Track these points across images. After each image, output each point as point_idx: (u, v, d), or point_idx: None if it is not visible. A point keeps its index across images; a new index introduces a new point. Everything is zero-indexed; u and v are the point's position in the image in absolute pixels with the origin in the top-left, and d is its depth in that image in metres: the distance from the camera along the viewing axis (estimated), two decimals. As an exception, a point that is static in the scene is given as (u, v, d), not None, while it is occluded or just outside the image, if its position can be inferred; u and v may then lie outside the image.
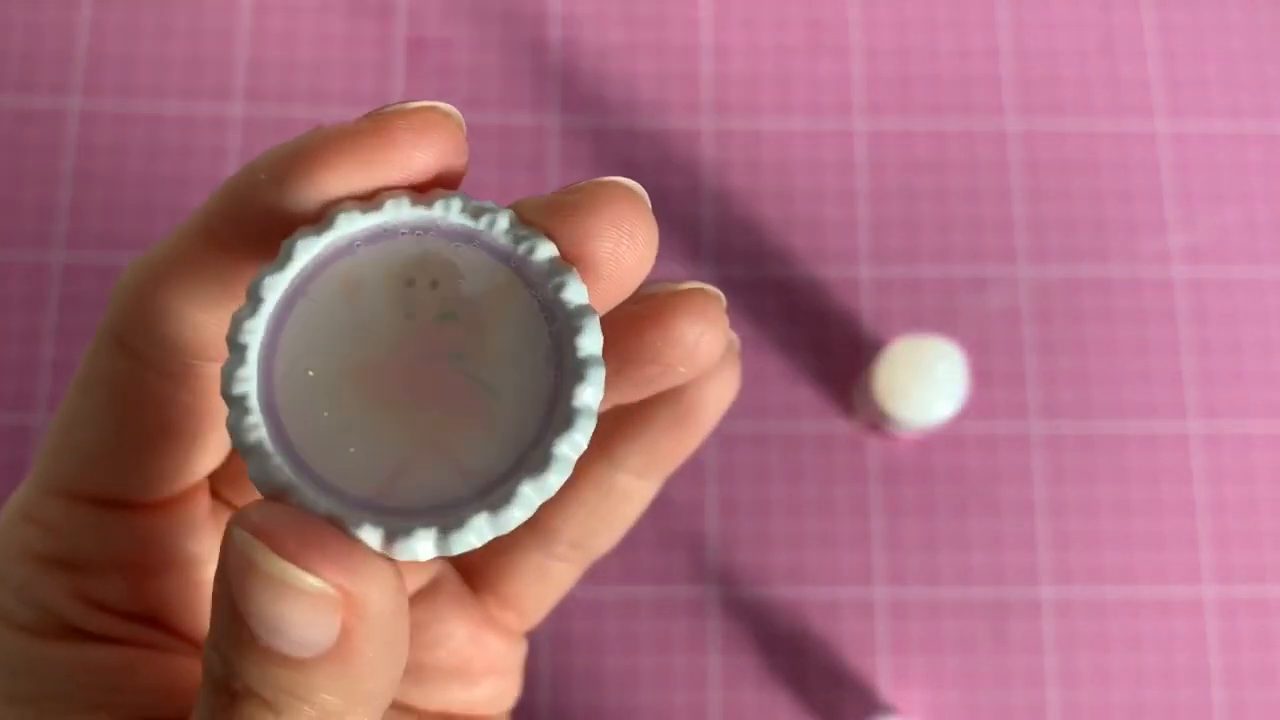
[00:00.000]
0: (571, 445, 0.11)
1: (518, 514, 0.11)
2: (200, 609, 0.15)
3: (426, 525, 0.11)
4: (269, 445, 0.11)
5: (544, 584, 0.17)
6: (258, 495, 0.15)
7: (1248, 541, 0.39)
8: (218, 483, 0.15)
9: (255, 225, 0.12)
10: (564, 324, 0.11)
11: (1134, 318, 0.41)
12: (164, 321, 0.13)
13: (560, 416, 0.11)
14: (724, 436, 0.40)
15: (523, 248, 0.11)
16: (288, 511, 0.11)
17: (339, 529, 0.11)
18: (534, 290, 0.11)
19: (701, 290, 0.14)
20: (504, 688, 0.17)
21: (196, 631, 0.15)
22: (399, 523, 0.11)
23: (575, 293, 0.11)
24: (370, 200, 0.11)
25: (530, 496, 0.11)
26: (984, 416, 0.40)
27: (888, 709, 0.38)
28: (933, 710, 0.38)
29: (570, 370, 0.11)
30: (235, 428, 0.11)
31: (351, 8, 0.43)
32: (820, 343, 0.40)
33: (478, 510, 0.11)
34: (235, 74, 0.42)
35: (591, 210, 0.12)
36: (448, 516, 0.11)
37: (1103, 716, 0.38)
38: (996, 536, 0.39)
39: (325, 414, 0.11)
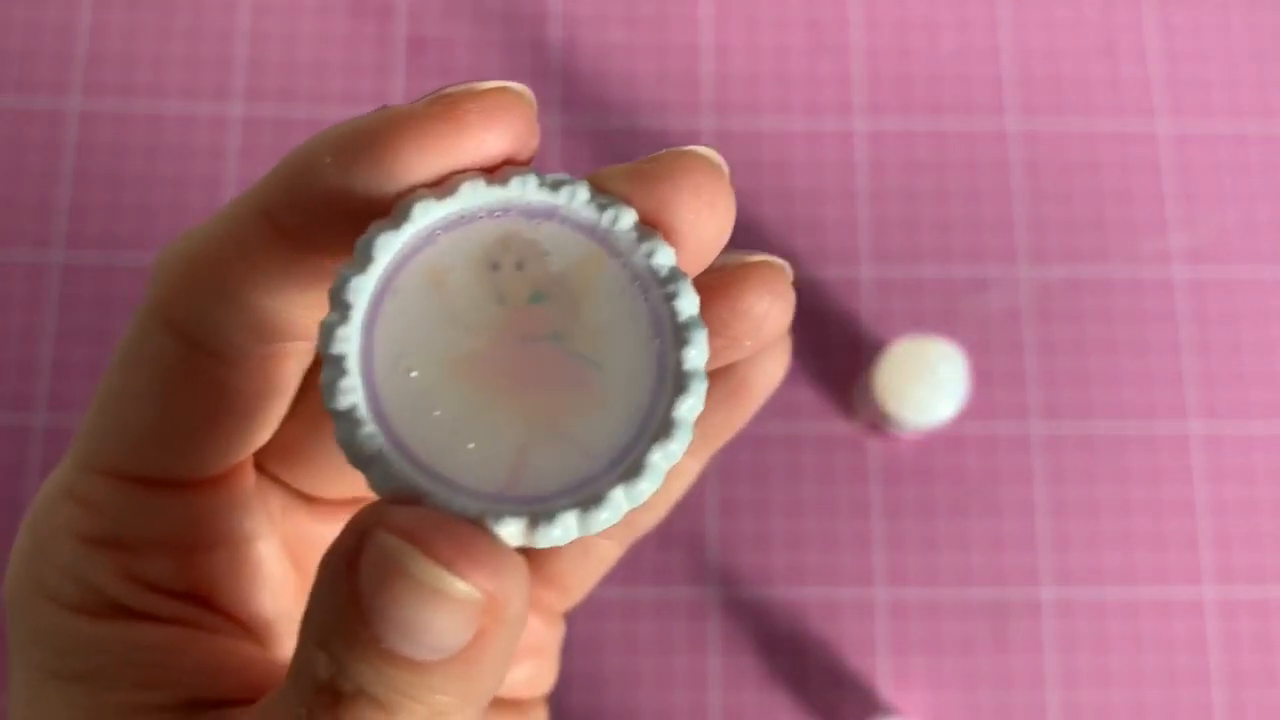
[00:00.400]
0: (689, 410, 0.10)
1: (650, 484, 0.10)
2: (246, 587, 0.14)
3: (565, 509, 0.10)
4: (390, 453, 0.10)
5: (587, 562, 0.16)
6: (311, 467, 0.15)
7: (1248, 542, 0.39)
8: (262, 457, 0.15)
9: (318, 211, 0.12)
10: (659, 290, 0.11)
11: (1134, 318, 0.41)
12: (217, 304, 0.12)
13: (672, 383, 0.10)
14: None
15: (606, 217, 0.11)
16: (433, 514, 0.10)
17: (481, 528, 0.10)
18: (622, 259, 0.11)
19: (769, 263, 0.13)
20: (543, 669, 0.17)
21: (240, 610, 0.14)
22: (538, 511, 0.10)
23: (666, 257, 0.11)
24: (443, 186, 0.11)
25: (660, 465, 0.10)
26: (984, 417, 0.40)
27: (888, 710, 0.38)
28: (933, 711, 0.38)
29: (673, 335, 0.11)
30: (350, 441, 0.10)
31: (351, 8, 0.43)
32: (821, 343, 0.40)
33: (612, 485, 0.10)
34: (235, 74, 0.42)
35: (672, 179, 0.12)
36: (582, 496, 0.10)
37: (1103, 717, 0.38)
38: (997, 537, 0.39)
39: (436, 413, 0.10)
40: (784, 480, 0.39)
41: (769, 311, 0.13)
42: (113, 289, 0.40)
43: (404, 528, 0.10)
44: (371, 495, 0.11)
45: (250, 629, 0.15)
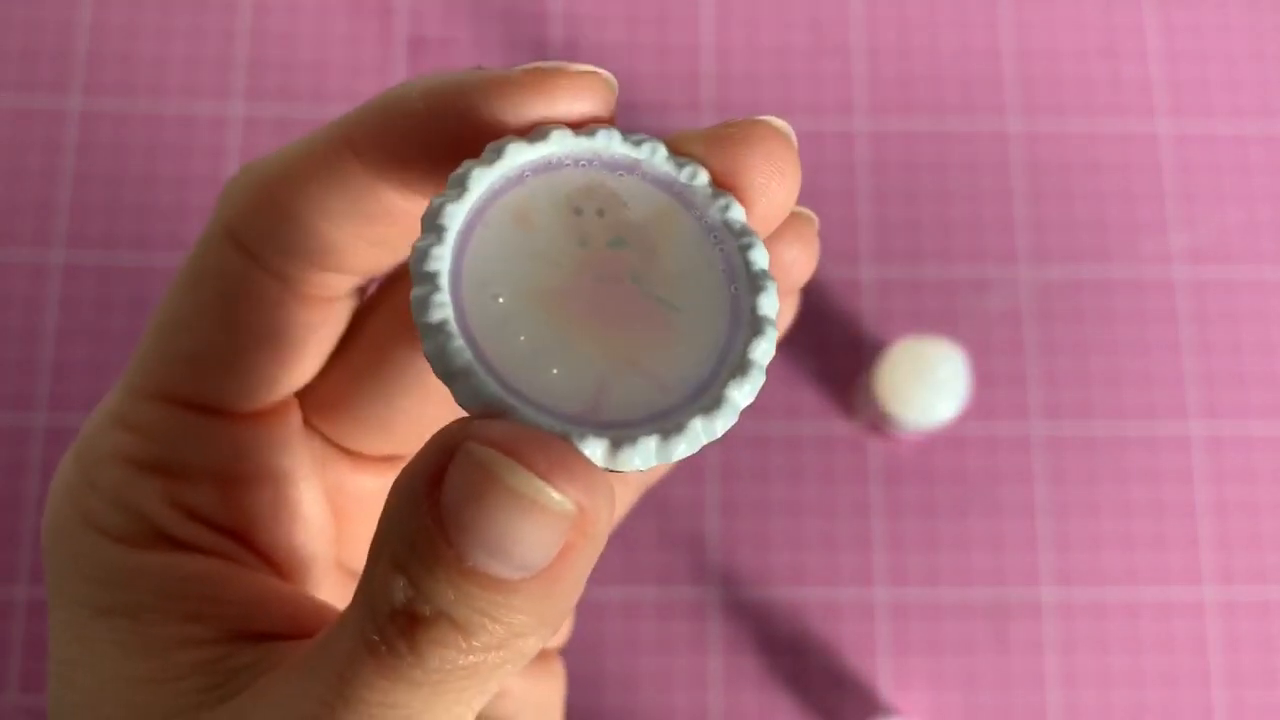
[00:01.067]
0: (763, 353, 0.11)
1: (728, 419, 0.11)
2: (285, 526, 0.14)
3: (647, 434, 0.11)
4: (478, 367, 0.10)
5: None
6: (355, 422, 0.15)
7: (1249, 543, 0.39)
8: (307, 409, 0.15)
9: (403, 146, 0.12)
10: (734, 242, 0.12)
11: (1135, 319, 0.41)
12: (283, 224, 0.12)
13: (748, 326, 0.11)
14: (725, 436, 0.40)
15: (685, 174, 0.12)
16: (525, 428, 0.10)
17: (569, 444, 0.11)
18: (697, 213, 0.12)
19: (800, 213, 0.14)
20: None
21: (277, 549, 0.14)
22: (622, 434, 0.11)
23: (738, 212, 0.12)
24: (534, 132, 0.12)
25: (737, 401, 0.11)
26: (985, 417, 0.40)
27: (888, 710, 0.38)
28: (933, 711, 0.38)
29: (748, 283, 0.11)
30: (440, 354, 0.11)
31: (352, 7, 0.43)
32: (821, 343, 0.40)
33: (691, 415, 0.11)
34: (235, 74, 0.42)
35: (746, 143, 0.12)
36: (663, 425, 0.11)
37: (1104, 718, 0.38)
38: (997, 538, 0.39)
39: (521, 338, 0.11)
40: (785, 480, 0.39)
41: (796, 260, 0.13)
42: (113, 289, 0.40)
43: (497, 439, 0.10)
44: (408, 453, 0.11)
45: (285, 569, 0.15)
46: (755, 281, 0.11)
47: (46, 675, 0.13)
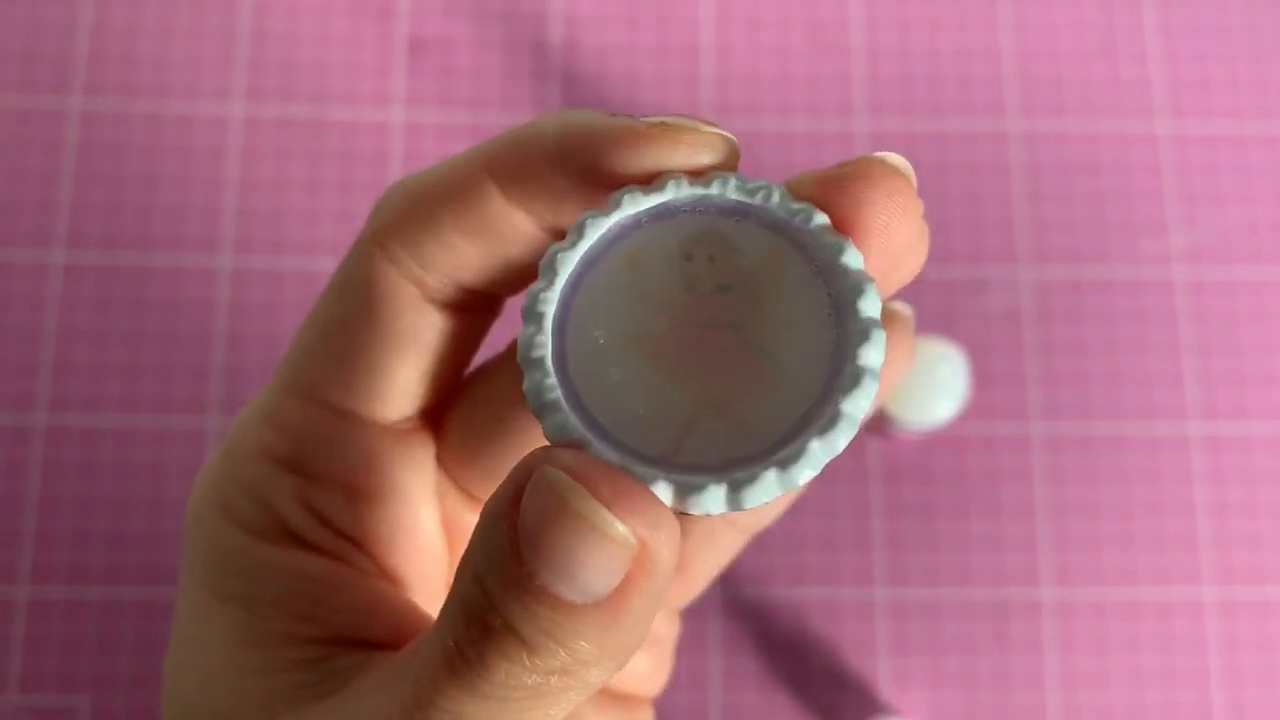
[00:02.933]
0: (857, 405, 0.11)
1: (807, 472, 0.11)
2: (401, 543, 0.15)
3: (718, 481, 0.11)
4: (564, 403, 0.11)
5: (713, 550, 0.17)
6: (482, 472, 0.16)
7: (1248, 543, 0.39)
8: (439, 453, 0.16)
9: (533, 179, 0.13)
10: (845, 287, 0.11)
11: (1135, 319, 0.41)
12: (429, 235, 0.14)
13: (847, 377, 0.11)
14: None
15: (799, 218, 0.12)
16: (596, 460, 0.11)
17: (635, 480, 0.11)
18: (809, 257, 0.12)
19: (894, 314, 0.15)
20: (658, 664, 0.17)
21: (390, 563, 0.15)
22: (691, 479, 0.11)
23: (854, 258, 0.12)
24: (651, 182, 0.12)
25: (819, 454, 0.11)
26: (985, 418, 0.40)
27: (888, 710, 0.38)
28: (933, 711, 0.38)
29: (854, 332, 0.11)
30: (534, 389, 0.11)
31: (352, 8, 0.43)
32: (821, 343, 0.41)
33: (767, 467, 0.11)
34: (236, 74, 0.42)
35: (867, 181, 0.12)
36: (737, 473, 0.11)
37: (1103, 717, 0.38)
38: (997, 538, 0.39)
39: (615, 377, 0.11)
40: (784, 481, 0.39)
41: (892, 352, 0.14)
42: (113, 289, 0.40)
43: (568, 465, 0.11)
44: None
45: (397, 583, 0.15)
46: (862, 331, 0.11)
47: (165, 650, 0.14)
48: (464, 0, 0.43)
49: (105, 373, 0.40)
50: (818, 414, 0.11)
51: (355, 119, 0.42)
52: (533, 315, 0.12)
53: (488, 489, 0.16)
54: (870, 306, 0.11)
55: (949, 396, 0.36)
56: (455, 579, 0.12)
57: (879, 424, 0.38)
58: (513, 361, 0.15)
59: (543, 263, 0.12)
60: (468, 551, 0.12)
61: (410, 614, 0.15)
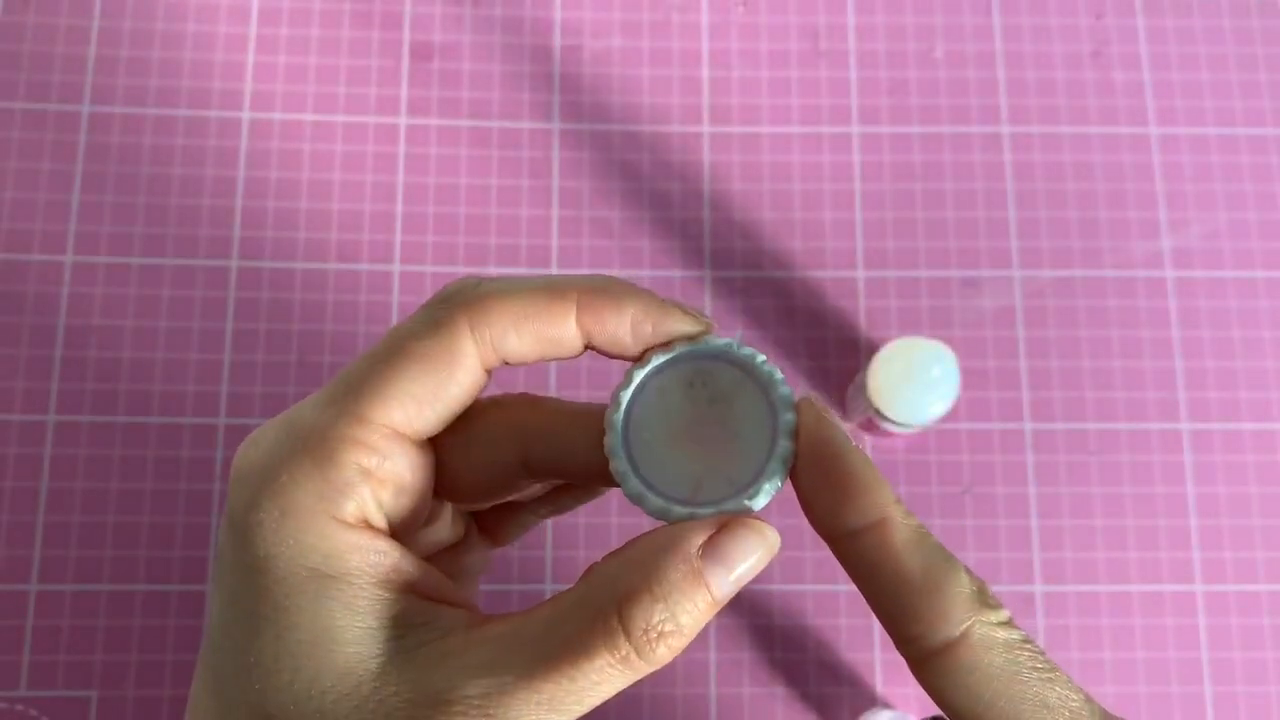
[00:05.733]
0: (779, 470, 0.19)
1: (761, 501, 0.19)
2: (415, 521, 0.21)
3: (718, 510, 0.19)
4: (633, 474, 0.20)
5: (521, 530, 0.25)
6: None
7: (1238, 539, 0.40)
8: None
9: (605, 325, 0.20)
10: (775, 398, 0.20)
11: (1126, 319, 0.41)
12: (515, 335, 0.20)
13: (775, 454, 0.19)
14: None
15: (751, 360, 0.20)
16: (721, 518, 0.19)
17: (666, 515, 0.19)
18: (758, 381, 0.20)
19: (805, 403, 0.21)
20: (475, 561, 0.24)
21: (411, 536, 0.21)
22: (708, 509, 0.19)
23: (781, 383, 0.20)
24: (668, 346, 0.20)
25: (768, 491, 0.19)
26: (977, 416, 0.40)
27: (883, 703, 0.38)
28: (927, 705, 0.38)
29: (779, 431, 0.20)
30: (616, 468, 0.19)
31: (356, 16, 0.44)
32: (816, 343, 0.41)
33: (739, 500, 0.19)
34: (243, 80, 0.43)
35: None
36: (727, 505, 0.19)
37: (1095, 711, 0.38)
38: (990, 534, 0.40)
39: (657, 456, 0.20)
40: (781, 478, 0.40)
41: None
42: (124, 289, 0.41)
43: (718, 522, 0.19)
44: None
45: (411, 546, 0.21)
46: (783, 430, 0.20)
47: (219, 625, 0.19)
48: (466, 9, 0.44)
49: (114, 371, 0.40)
50: (765, 470, 0.19)
51: (359, 123, 0.43)
52: (611, 426, 0.20)
53: (467, 481, 0.22)
54: (788, 419, 0.20)
55: (941, 395, 0.36)
56: (623, 599, 0.18)
57: (873, 422, 0.38)
58: (517, 408, 0.22)
59: (612, 398, 0.20)
60: (644, 581, 0.18)
61: (444, 581, 0.20)
